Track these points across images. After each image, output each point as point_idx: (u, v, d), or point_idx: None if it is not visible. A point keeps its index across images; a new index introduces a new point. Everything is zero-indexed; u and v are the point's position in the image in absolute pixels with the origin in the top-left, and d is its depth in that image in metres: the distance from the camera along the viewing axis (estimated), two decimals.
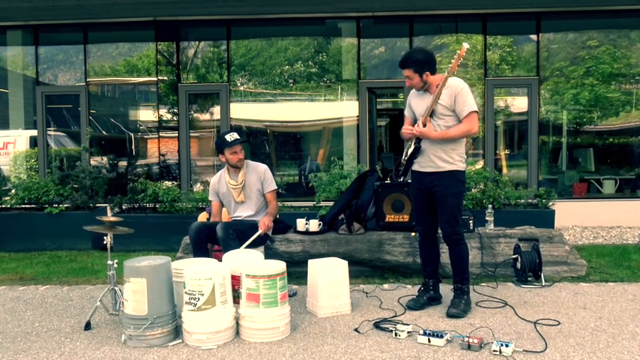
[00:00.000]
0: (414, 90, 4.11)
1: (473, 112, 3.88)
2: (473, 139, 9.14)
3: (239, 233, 4.43)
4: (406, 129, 4.04)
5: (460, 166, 3.98)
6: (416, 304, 4.14)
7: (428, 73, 3.92)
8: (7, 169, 10.27)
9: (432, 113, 3.92)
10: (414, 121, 4.11)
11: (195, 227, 4.58)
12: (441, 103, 3.89)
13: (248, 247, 4.35)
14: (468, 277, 4.08)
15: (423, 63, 3.92)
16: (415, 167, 4.09)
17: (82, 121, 9.47)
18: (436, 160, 3.95)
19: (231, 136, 4.70)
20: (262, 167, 4.84)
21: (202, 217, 5.57)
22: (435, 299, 4.22)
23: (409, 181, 5.00)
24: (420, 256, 4.38)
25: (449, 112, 3.91)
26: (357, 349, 3.34)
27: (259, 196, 4.80)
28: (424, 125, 3.90)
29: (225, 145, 4.66)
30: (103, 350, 3.41)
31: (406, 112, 4.22)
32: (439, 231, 4.12)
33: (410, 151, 4.04)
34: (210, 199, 4.99)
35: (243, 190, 4.74)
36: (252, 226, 4.59)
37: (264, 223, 4.60)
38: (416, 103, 4.10)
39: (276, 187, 4.87)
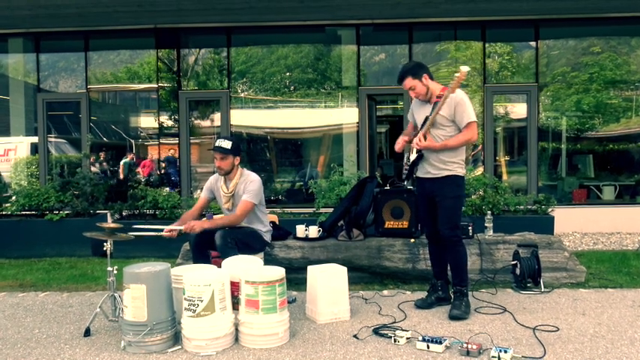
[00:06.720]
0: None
1: (472, 122, 3.99)
2: (474, 145, 9.16)
3: (238, 242, 4.41)
4: (401, 143, 4.24)
5: (459, 171, 4.08)
6: (424, 304, 4.27)
7: (426, 75, 4.05)
8: (8, 175, 10.29)
9: (432, 123, 4.02)
10: (416, 127, 4.26)
11: (196, 234, 4.57)
12: (441, 113, 3.99)
13: (240, 255, 4.25)
14: (466, 278, 4.15)
15: (417, 67, 4.09)
16: (418, 173, 4.23)
17: (83, 128, 9.51)
18: (436, 165, 4.07)
19: (220, 142, 4.58)
20: (253, 178, 4.62)
21: None
22: (444, 299, 4.30)
23: (409, 187, 5.07)
24: (429, 256, 4.49)
25: (448, 123, 4.02)
26: (356, 356, 3.35)
27: None
28: (424, 138, 4.00)
29: (212, 148, 4.63)
30: (102, 357, 3.42)
31: (409, 117, 4.41)
32: None
33: (412, 158, 4.17)
34: (202, 195, 4.82)
35: (232, 198, 4.67)
36: (251, 234, 4.58)
37: (190, 224, 4.36)
38: (417, 112, 4.26)
39: (251, 201, 4.50)
